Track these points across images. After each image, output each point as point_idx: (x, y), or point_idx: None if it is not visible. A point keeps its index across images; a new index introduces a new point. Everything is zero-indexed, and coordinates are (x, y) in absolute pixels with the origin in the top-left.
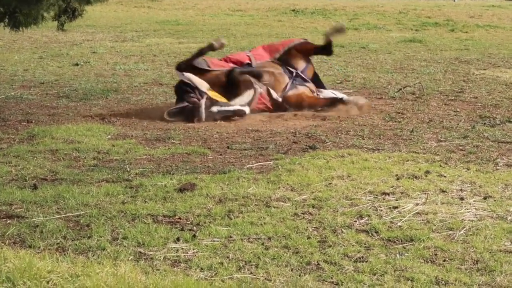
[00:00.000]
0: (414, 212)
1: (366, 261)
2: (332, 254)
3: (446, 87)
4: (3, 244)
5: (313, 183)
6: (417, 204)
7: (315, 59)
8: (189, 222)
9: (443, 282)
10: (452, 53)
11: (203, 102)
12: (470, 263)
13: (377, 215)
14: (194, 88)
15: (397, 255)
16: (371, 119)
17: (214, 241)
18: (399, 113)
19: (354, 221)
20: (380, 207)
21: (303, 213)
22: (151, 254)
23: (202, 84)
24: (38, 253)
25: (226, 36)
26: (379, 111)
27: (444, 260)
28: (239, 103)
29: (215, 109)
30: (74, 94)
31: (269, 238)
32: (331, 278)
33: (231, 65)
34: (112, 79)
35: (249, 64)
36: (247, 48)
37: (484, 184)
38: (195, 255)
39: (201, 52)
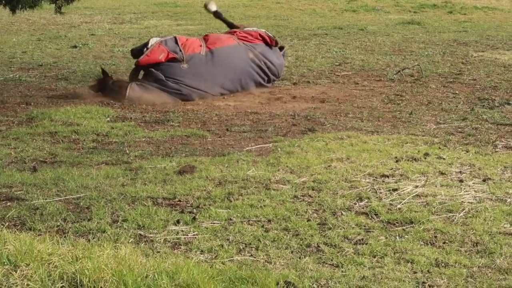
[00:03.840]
0: (414, 194)
1: (366, 244)
2: (332, 236)
3: (444, 69)
4: (3, 226)
5: (312, 166)
6: (416, 187)
7: (313, 42)
8: (189, 205)
9: (443, 264)
10: (450, 35)
11: None
12: (470, 245)
13: (377, 197)
14: None
15: (397, 237)
16: (370, 102)
17: (214, 223)
18: (398, 95)
19: (354, 204)
20: (380, 190)
21: (302, 196)
22: (151, 237)
23: None
24: (38, 235)
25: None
26: (378, 93)
27: (444, 242)
28: None
29: None
30: (72, 77)
31: (269, 221)
32: (331, 260)
33: None
34: (111, 61)
35: None
36: None
37: (483, 166)
38: (195, 237)
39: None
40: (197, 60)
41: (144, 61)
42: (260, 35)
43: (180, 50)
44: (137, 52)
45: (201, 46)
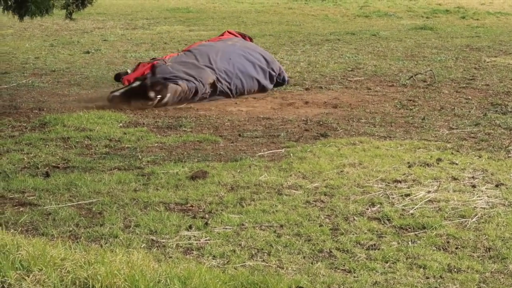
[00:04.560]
0: (426, 199)
1: (378, 249)
2: (344, 241)
3: (457, 75)
4: (16, 231)
5: (324, 171)
6: (429, 192)
7: (325, 47)
8: (201, 210)
9: (455, 269)
10: (463, 41)
11: None
12: (482, 251)
13: (389, 202)
14: None
15: (409, 242)
16: (383, 107)
17: (226, 228)
18: (410, 100)
19: (366, 209)
20: (392, 195)
21: (315, 201)
22: (163, 242)
23: None
24: (51, 240)
25: (237, 23)
26: (390, 98)
27: (457, 248)
28: None
29: None
30: (85, 82)
31: (281, 226)
32: (344, 265)
33: None
34: (123, 66)
35: None
36: (258, 35)
37: (496, 172)
38: (208, 242)
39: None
40: (177, 58)
41: (128, 77)
42: (229, 32)
43: (160, 59)
44: (119, 76)
45: (176, 53)
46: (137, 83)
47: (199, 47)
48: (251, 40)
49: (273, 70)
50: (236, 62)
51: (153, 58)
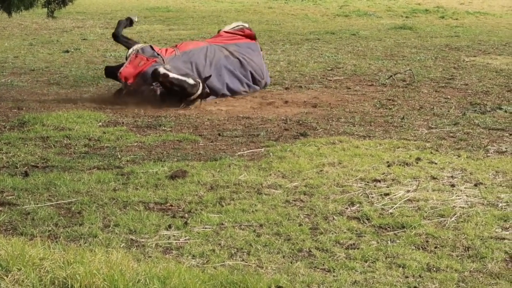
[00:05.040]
0: (405, 199)
1: (358, 248)
2: (323, 241)
3: (436, 74)
4: None
5: (304, 170)
6: (408, 191)
7: (305, 47)
8: (180, 209)
9: (434, 268)
10: (442, 40)
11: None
12: (461, 250)
13: (369, 202)
14: None
15: (389, 242)
16: (362, 106)
17: (205, 228)
18: (390, 100)
19: (346, 208)
20: (371, 194)
21: (294, 200)
22: (142, 241)
23: None
24: (30, 240)
25: (216, 23)
26: (370, 98)
27: (436, 247)
28: None
29: None
30: (64, 81)
31: (261, 225)
32: (323, 265)
33: None
34: (103, 66)
35: None
36: None
37: (475, 171)
38: (187, 242)
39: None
40: (175, 61)
41: (125, 72)
42: (226, 32)
43: (159, 55)
44: (110, 70)
45: (174, 51)
46: (191, 80)
47: (196, 53)
48: (250, 31)
49: (260, 86)
50: (226, 79)
51: (150, 45)
